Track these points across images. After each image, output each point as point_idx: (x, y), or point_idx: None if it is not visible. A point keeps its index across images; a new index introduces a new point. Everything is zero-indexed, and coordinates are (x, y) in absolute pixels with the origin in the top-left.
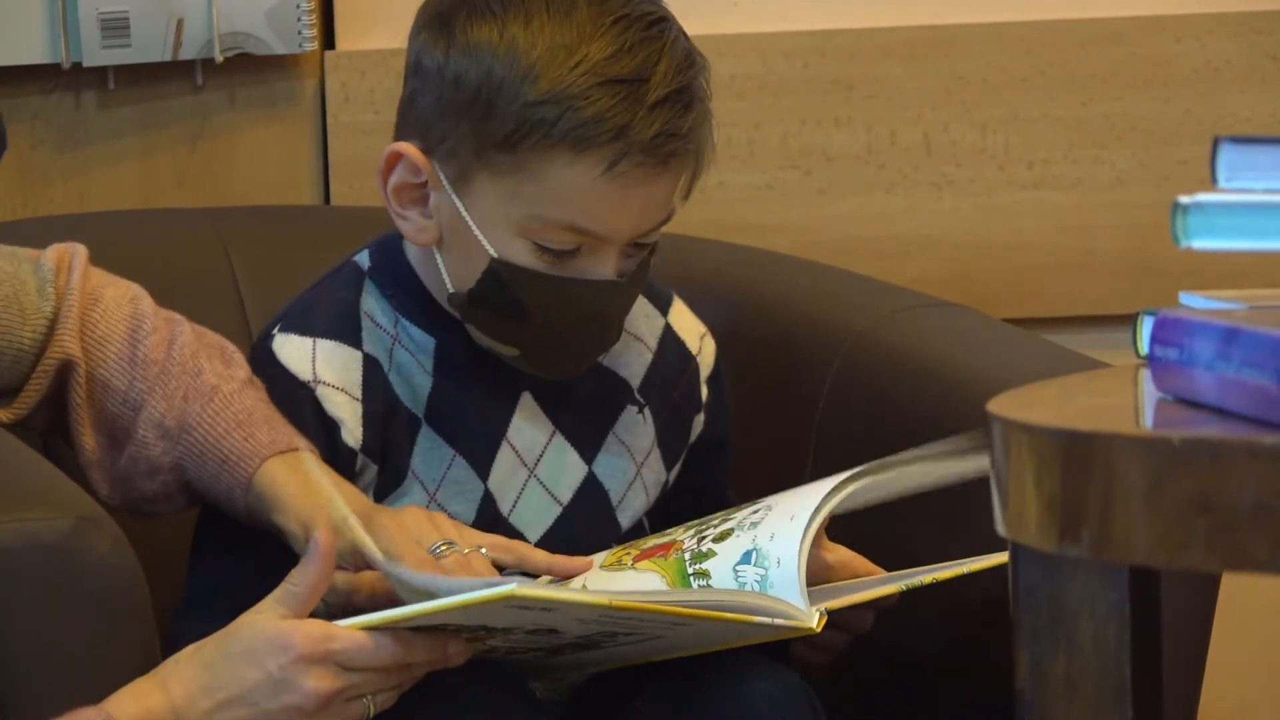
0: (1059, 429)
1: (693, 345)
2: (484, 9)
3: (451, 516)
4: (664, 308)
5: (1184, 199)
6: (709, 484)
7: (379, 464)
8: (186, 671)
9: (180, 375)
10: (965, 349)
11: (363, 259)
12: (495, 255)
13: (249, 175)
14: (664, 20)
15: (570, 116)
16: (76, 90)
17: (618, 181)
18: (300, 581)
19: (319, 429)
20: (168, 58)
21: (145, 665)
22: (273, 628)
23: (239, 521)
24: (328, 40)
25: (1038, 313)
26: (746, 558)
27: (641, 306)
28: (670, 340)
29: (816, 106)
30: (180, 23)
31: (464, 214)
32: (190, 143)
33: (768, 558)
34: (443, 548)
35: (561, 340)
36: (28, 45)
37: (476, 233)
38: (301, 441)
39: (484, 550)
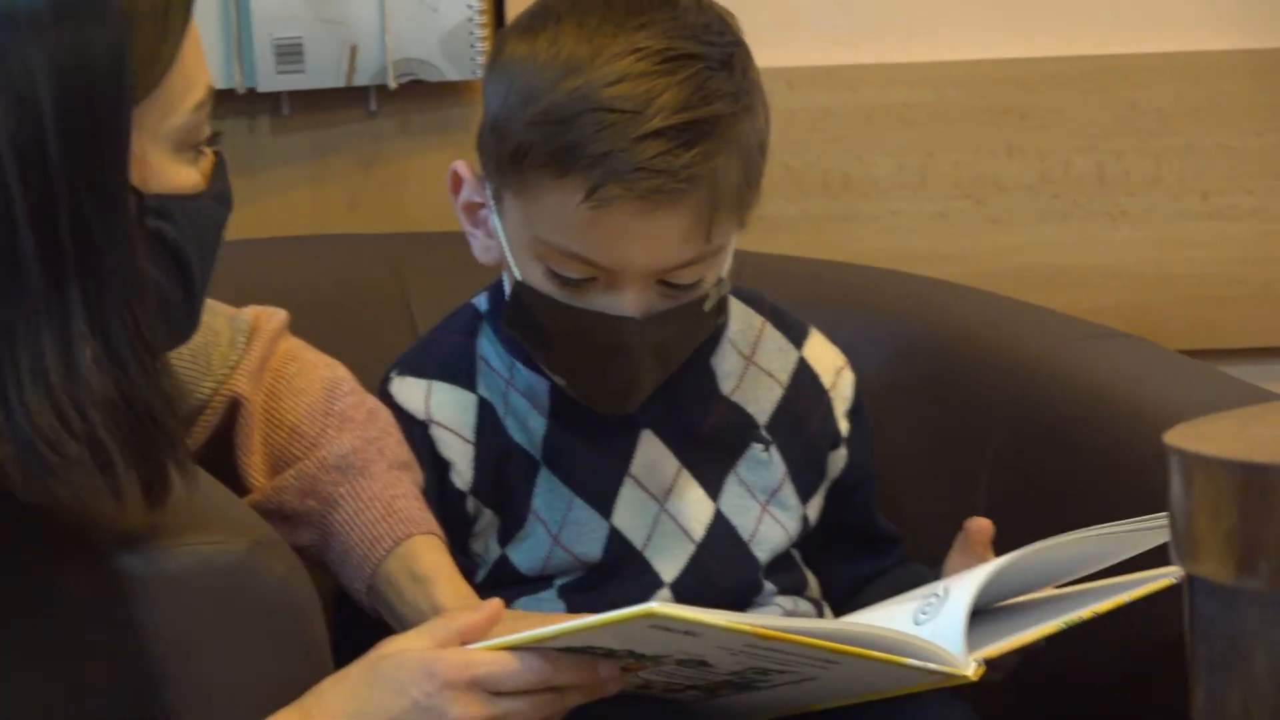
0: (1236, 461)
1: (827, 379)
2: (527, 26)
3: (576, 557)
4: (799, 341)
5: None
6: (859, 518)
7: (492, 507)
8: (331, 701)
9: (380, 433)
10: (1140, 380)
11: (481, 301)
12: (519, 278)
13: (421, 201)
14: (691, 56)
15: (555, 139)
16: (251, 116)
17: (604, 211)
18: (458, 621)
19: (431, 468)
20: (342, 84)
21: None
22: (417, 656)
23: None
24: None
25: (1212, 344)
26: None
27: (775, 340)
28: (804, 374)
29: (989, 135)
30: (354, 49)
31: (500, 233)
32: (363, 168)
33: (938, 595)
34: None
35: (587, 372)
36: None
37: (508, 254)
38: None
39: None
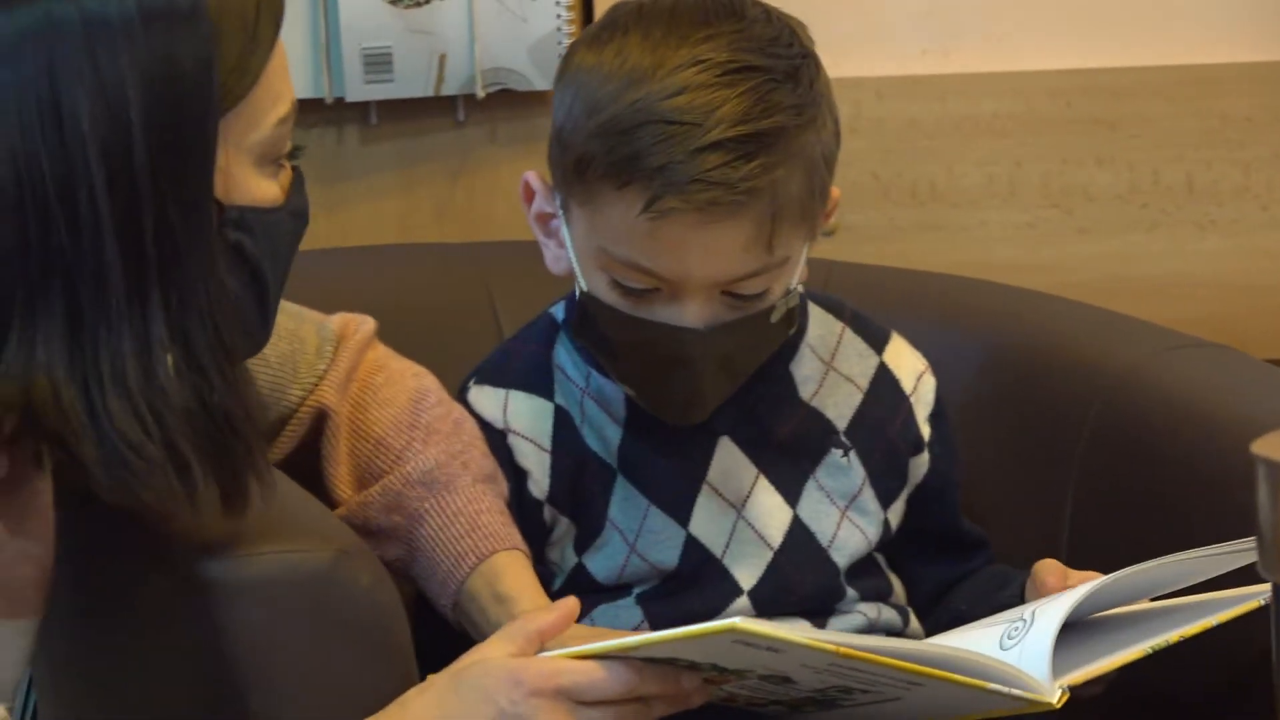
0: None
1: (908, 384)
2: (595, 37)
3: (653, 565)
4: (879, 346)
5: None
6: (942, 523)
7: (569, 515)
8: (415, 709)
9: (465, 446)
10: (1227, 390)
11: (558, 311)
12: (585, 289)
13: (508, 210)
14: (754, 69)
15: (615, 150)
16: (339, 125)
17: (663, 223)
18: (535, 622)
19: (508, 477)
20: (430, 93)
21: None
22: (502, 664)
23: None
24: None
25: None
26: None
27: (854, 345)
28: (884, 379)
29: (1078, 145)
30: (443, 58)
31: (568, 243)
32: (451, 177)
33: (1025, 620)
34: None
35: (652, 383)
36: (291, 80)
37: (575, 264)
38: None
39: None
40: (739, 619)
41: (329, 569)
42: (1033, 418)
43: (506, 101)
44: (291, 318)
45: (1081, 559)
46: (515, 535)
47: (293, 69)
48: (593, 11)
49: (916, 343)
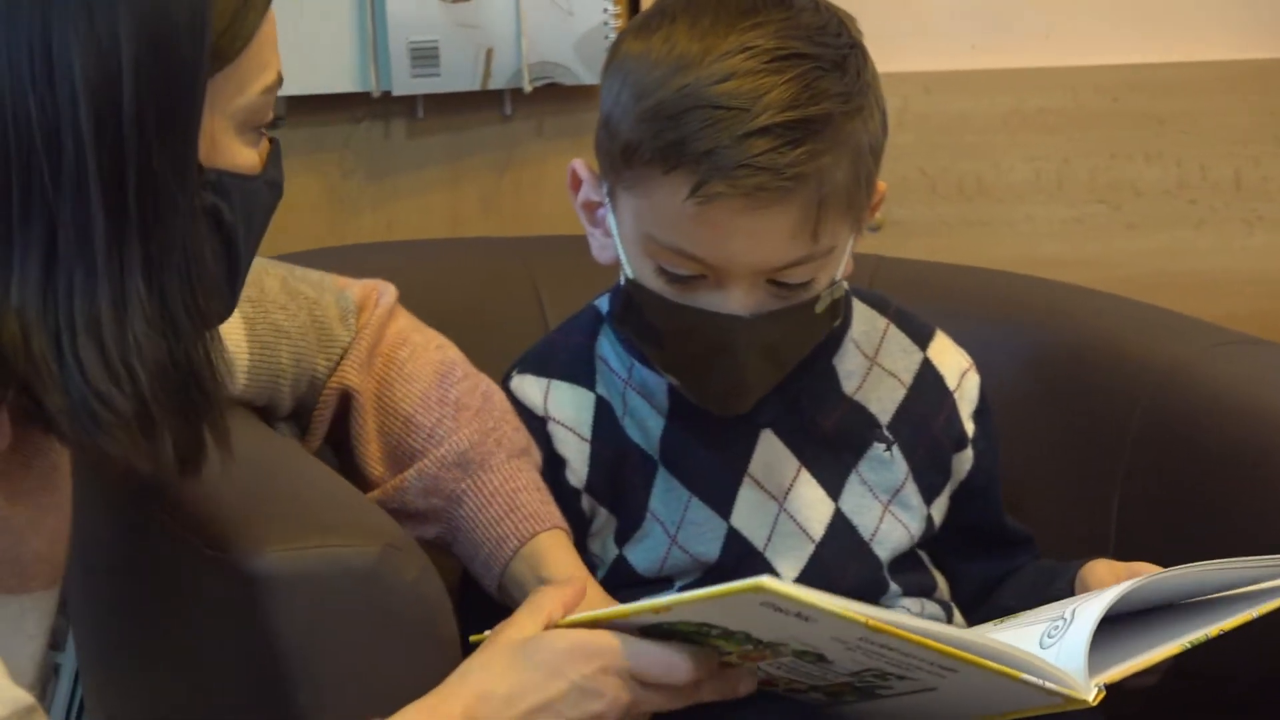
0: None
1: (951, 381)
2: (643, 25)
3: (694, 557)
4: (924, 343)
5: None
6: (986, 520)
7: (608, 506)
8: (478, 683)
9: (497, 422)
10: (1276, 386)
11: (602, 303)
12: (631, 276)
13: (555, 204)
14: (801, 56)
15: (662, 135)
16: (386, 119)
17: (709, 208)
18: (549, 603)
19: (546, 463)
20: (477, 87)
21: None
22: (570, 639)
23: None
24: None
25: None
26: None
27: (898, 341)
28: (928, 375)
29: (1126, 141)
30: (490, 53)
31: (614, 231)
32: (498, 171)
33: (1063, 617)
34: None
35: (696, 372)
36: (338, 74)
37: (621, 251)
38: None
39: None
40: (766, 577)
41: (375, 563)
42: (1079, 414)
43: (553, 95)
44: (312, 286)
45: (1128, 555)
46: (555, 512)
47: (340, 63)
48: (639, 5)
49: (962, 338)
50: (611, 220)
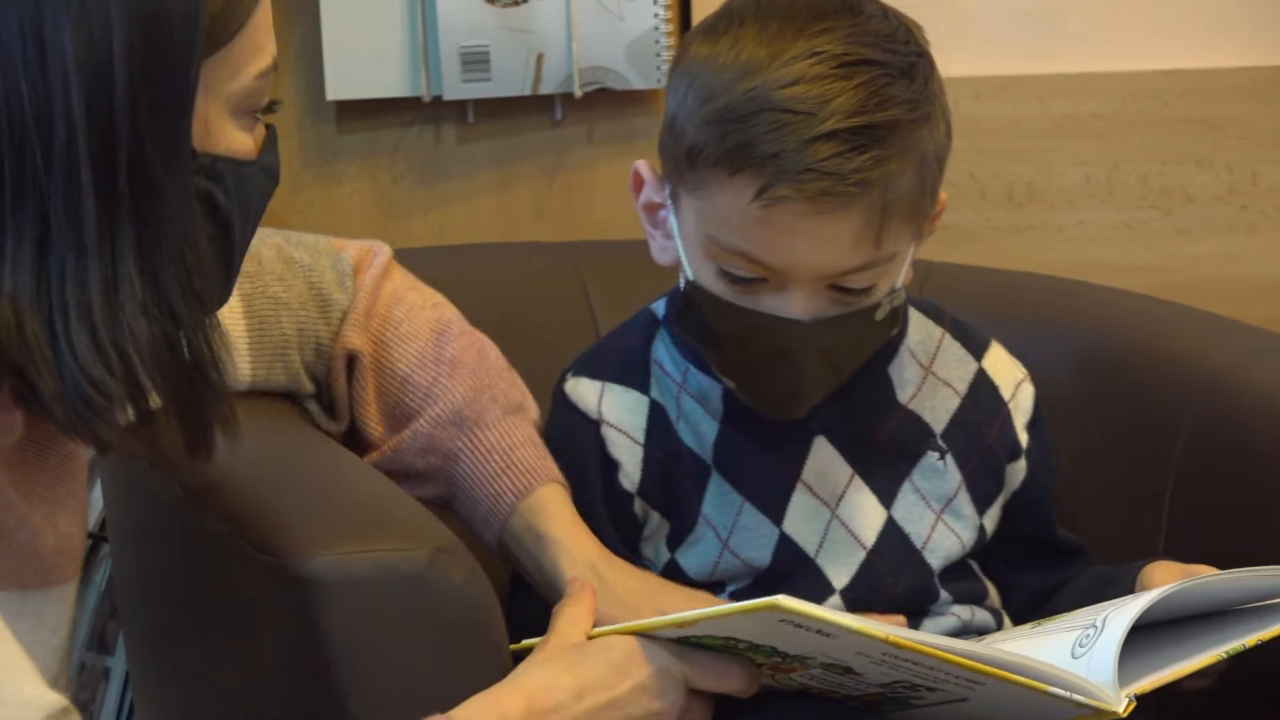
0: None
1: (1006, 391)
2: (711, 29)
3: (746, 563)
4: (979, 352)
5: None
6: (1038, 530)
7: (660, 510)
8: (542, 677)
9: (491, 378)
10: None
11: (658, 307)
12: (692, 278)
13: (607, 209)
14: (869, 63)
15: (728, 138)
16: (436, 124)
17: (773, 211)
18: (584, 606)
19: (599, 466)
20: (527, 92)
21: None
22: (629, 640)
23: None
24: None
25: None
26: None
27: (954, 351)
28: (982, 385)
29: (1177, 146)
30: (540, 57)
31: (675, 232)
32: (548, 176)
33: (1095, 625)
34: None
35: (754, 375)
36: (389, 78)
37: (682, 253)
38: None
39: None
40: (781, 596)
41: (424, 568)
42: (1129, 419)
43: (604, 101)
44: (308, 251)
45: (1177, 559)
46: (551, 467)
47: (391, 68)
48: (690, 11)
49: (1012, 343)
50: (673, 222)
